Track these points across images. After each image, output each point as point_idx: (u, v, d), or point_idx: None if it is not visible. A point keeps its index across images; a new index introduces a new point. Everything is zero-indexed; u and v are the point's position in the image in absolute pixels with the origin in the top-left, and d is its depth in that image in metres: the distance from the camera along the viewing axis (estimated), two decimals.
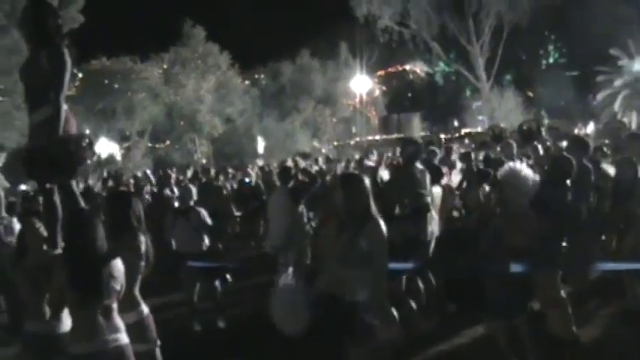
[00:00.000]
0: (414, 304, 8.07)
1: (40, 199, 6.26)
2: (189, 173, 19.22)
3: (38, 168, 5.07)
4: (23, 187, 25.91)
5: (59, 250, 5.21)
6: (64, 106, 5.30)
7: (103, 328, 4.45)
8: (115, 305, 4.57)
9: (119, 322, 4.62)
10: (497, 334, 6.52)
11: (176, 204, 12.28)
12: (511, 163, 6.94)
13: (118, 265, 4.62)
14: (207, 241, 9.22)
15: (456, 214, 11.81)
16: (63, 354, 4.65)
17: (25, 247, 5.41)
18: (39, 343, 5.08)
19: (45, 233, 5.39)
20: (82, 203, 5.40)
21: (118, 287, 4.58)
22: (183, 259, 8.89)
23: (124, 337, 4.59)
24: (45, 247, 5.35)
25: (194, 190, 9.77)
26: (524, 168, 6.59)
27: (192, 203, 9.38)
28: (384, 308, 4.90)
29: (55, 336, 5.02)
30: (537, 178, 6.50)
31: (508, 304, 6.18)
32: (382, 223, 4.88)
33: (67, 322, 4.89)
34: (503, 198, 6.69)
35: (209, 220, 9.27)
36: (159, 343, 5.48)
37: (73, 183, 5.42)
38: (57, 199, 5.45)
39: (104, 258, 4.51)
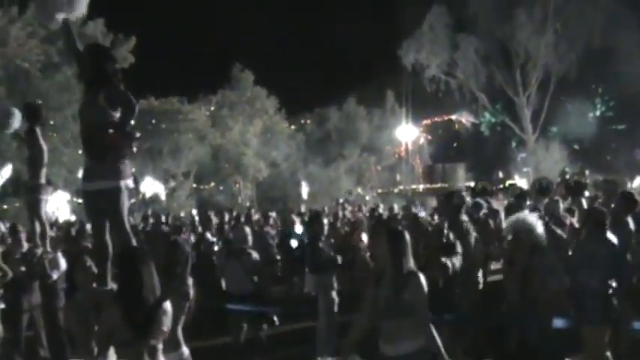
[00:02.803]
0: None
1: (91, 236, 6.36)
2: (227, 217, 18.73)
3: None
4: (66, 217, 26.32)
5: (109, 287, 5.30)
6: None
7: None
8: (160, 346, 4.62)
9: None
10: None
11: (216, 248, 12.38)
12: (519, 214, 6.97)
13: (168, 306, 4.67)
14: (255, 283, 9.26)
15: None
16: None
17: (74, 283, 5.51)
18: None
19: (95, 271, 5.49)
20: (134, 242, 5.50)
21: (165, 329, 4.62)
22: (232, 300, 8.97)
23: None
24: (95, 284, 5.45)
25: (249, 232, 9.86)
26: (530, 216, 6.62)
27: (246, 246, 9.43)
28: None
29: None
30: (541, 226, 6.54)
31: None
32: (422, 276, 5.03)
33: (112, 359, 4.95)
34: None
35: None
36: None
37: (126, 222, 5.52)
38: (108, 237, 5.56)
39: (159, 299, 4.58)
